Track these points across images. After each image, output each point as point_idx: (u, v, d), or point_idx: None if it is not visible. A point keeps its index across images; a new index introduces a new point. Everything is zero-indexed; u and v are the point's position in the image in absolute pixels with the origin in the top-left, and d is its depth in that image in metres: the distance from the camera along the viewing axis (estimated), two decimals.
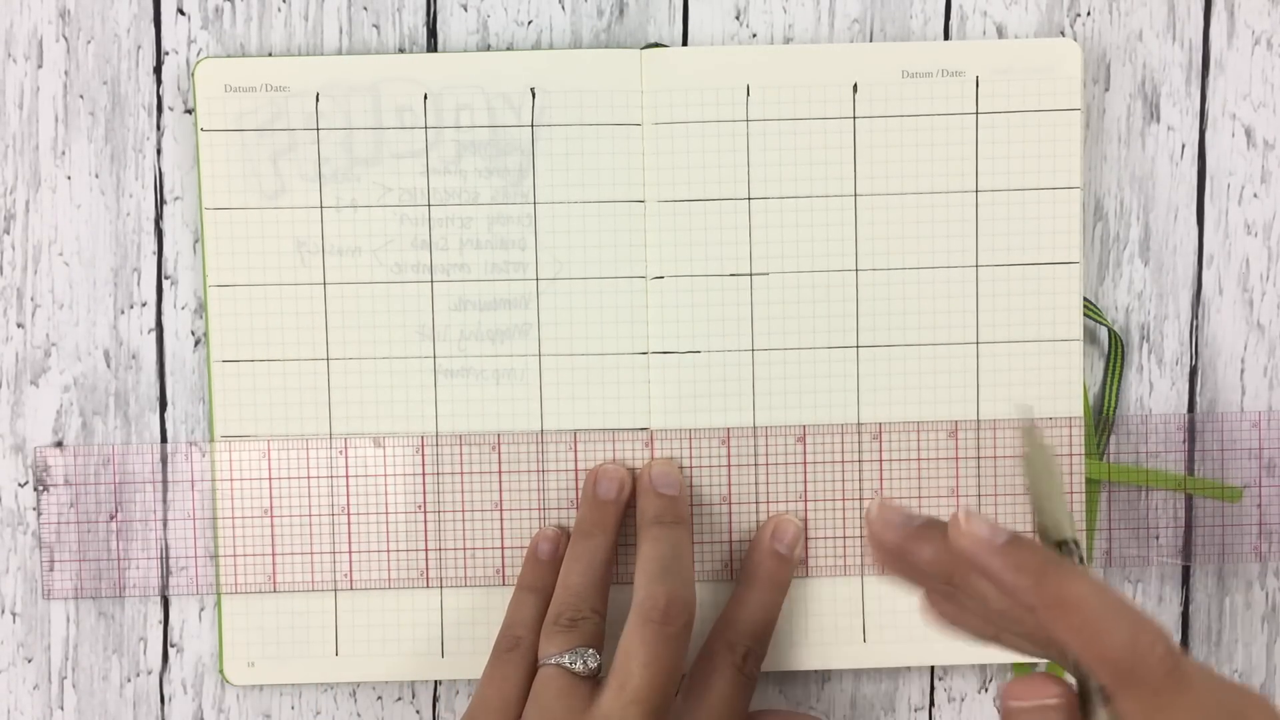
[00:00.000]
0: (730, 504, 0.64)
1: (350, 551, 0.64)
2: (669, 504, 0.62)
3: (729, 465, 0.64)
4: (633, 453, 0.63)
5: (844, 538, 0.64)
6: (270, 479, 0.64)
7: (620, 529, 0.63)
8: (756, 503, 0.64)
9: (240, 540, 0.64)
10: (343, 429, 0.63)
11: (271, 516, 0.64)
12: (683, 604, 0.58)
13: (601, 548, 0.62)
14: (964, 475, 0.64)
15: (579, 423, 0.63)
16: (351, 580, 0.64)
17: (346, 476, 0.64)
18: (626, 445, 0.63)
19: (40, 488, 0.64)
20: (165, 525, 0.64)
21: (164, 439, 0.65)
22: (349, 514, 0.64)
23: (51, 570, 0.64)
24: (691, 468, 0.64)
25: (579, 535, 0.63)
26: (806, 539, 0.64)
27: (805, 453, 0.64)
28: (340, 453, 0.64)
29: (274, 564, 0.64)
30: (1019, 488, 0.64)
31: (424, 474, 0.64)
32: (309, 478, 0.64)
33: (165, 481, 0.64)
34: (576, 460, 0.64)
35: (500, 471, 0.64)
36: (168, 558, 0.64)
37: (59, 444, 0.65)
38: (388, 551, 0.64)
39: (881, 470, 0.64)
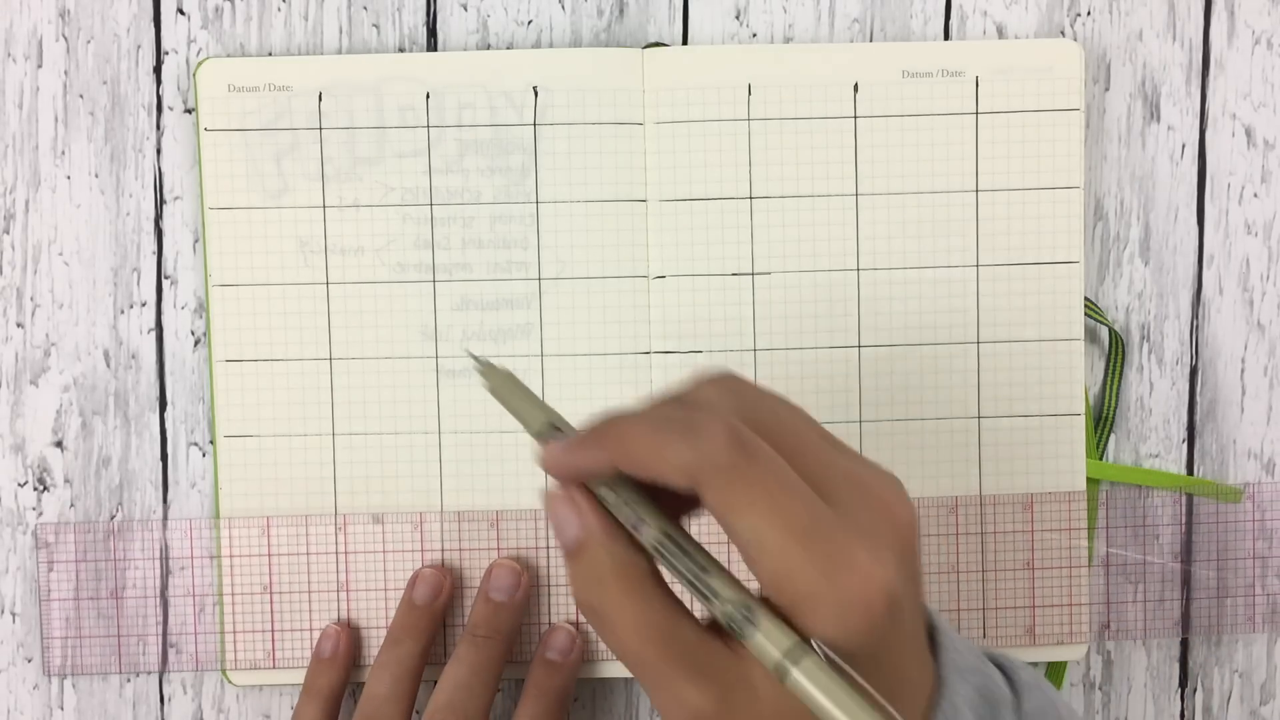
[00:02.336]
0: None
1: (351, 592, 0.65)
2: (492, 613, 0.63)
3: (728, 544, 0.64)
4: None
5: None
6: (270, 554, 0.65)
7: (435, 636, 0.64)
8: None
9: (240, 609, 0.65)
10: (345, 429, 0.64)
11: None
12: None
13: (410, 655, 0.62)
14: (964, 551, 0.65)
15: (581, 424, 0.64)
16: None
17: (347, 553, 0.65)
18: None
19: (43, 562, 0.65)
20: (165, 523, 0.65)
21: (164, 439, 0.65)
22: (348, 590, 0.65)
23: (50, 571, 0.65)
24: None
25: (389, 642, 0.63)
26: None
27: None
28: (341, 529, 0.65)
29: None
30: (1020, 562, 0.65)
31: (423, 550, 0.65)
32: (308, 553, 0.65)
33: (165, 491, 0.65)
34: None
35: (499, 549, 0.65)
36: (168, 558, 0.65)
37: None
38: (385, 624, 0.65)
39: None
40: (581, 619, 0.64)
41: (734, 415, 0.43)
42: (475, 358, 0.49)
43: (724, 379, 0.46)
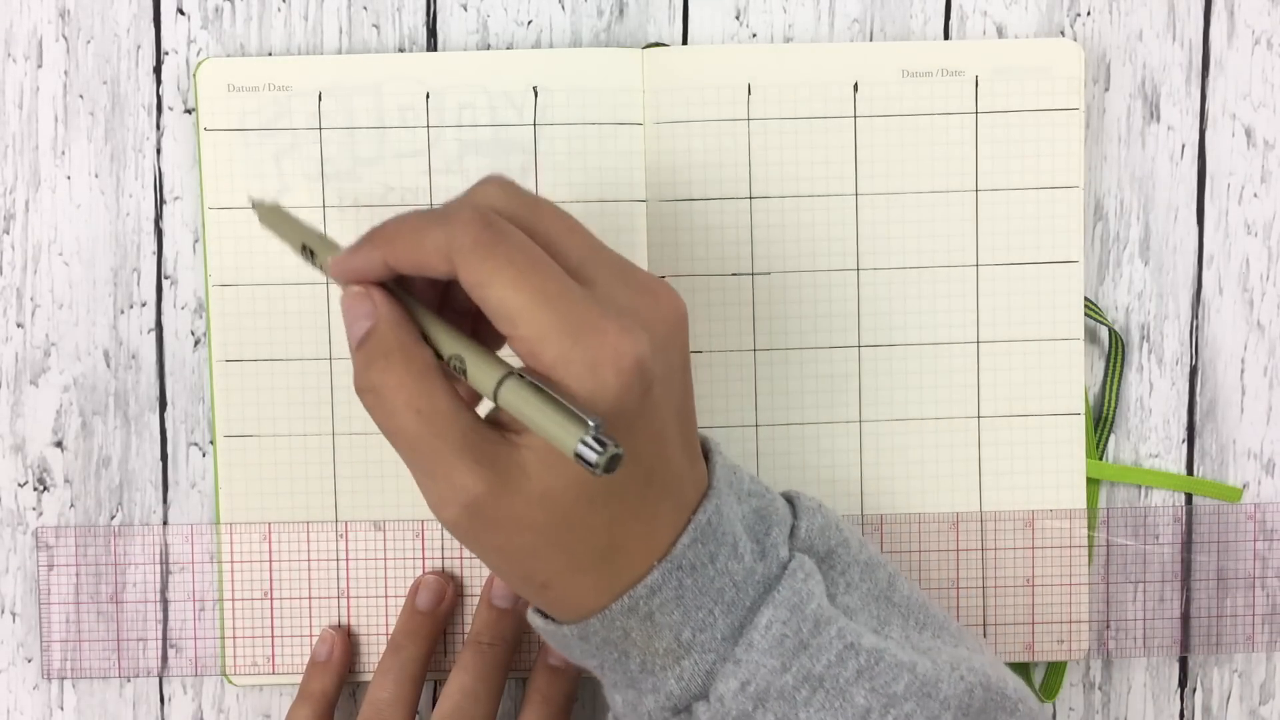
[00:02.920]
0: None
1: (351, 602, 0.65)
2: (495, 619, 0.63)
3: None
4: None
5: None
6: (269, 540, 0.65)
7: (437, 642, 0.64)
8: None
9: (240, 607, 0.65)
10: (345, 429, 0.64)
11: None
12: None
13: (413, 660, 0.63)
14: (964, 567, 0.65)
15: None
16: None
17: (348, 559, 0.65)
18: None
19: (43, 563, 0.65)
20: (165, 527, 0.66)
21: (164, 439, 0.66)
22: (349, 596, 0.66)
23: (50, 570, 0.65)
24: None
25: (391, 648, 0.63)
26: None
27: None
28: (342, 536, 0.65)
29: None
30: (1021, 579, 0.65)
31: (424, 557, 0.65)
32: (309, 561, 0.65)
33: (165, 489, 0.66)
34: None
35: None
36: (168, 559, 0.66)
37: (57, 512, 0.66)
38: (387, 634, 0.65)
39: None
40: None
41: (495, 208, 0.48)
42: (251, 200, 0.53)
43: (497, 180, 0.50)
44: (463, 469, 0.46)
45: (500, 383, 0.45)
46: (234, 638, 0.65)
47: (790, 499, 0.55)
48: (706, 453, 0.52)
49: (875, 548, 0.56)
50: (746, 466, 0.64)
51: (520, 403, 0.45)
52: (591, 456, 0.42)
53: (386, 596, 0.65)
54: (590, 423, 0.43)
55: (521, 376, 0.45)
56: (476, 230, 0.46)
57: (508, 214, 0.48)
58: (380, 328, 0.48)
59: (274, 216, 0.53)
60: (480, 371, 0.46)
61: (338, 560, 0.65)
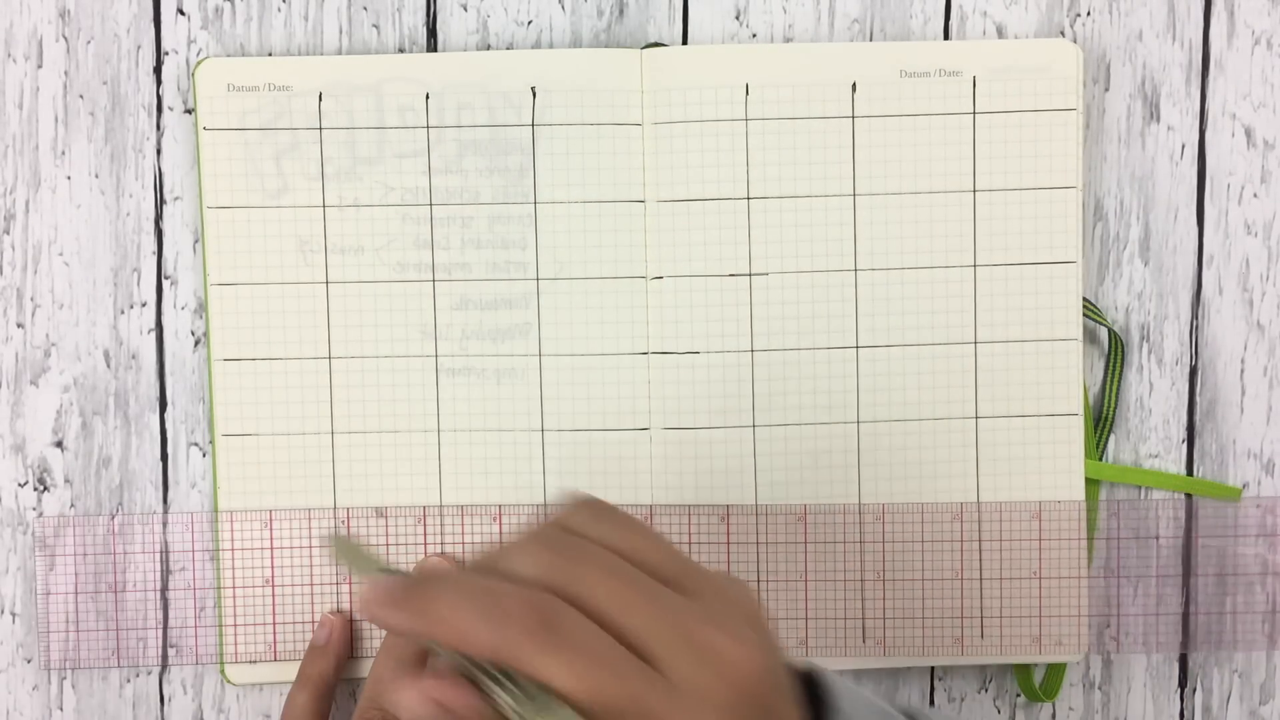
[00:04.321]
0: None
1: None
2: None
3: (727, 543, 0.66)
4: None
5: (844, 619, 0.66)
6: (272, 548, 0.66)
7: None
8: (757, 580, 0.66)
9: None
10: (344, 428, 0.65)
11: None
12: None
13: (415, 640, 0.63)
14: (968, 557, 0.66)
15: (579, 423, 0.65)
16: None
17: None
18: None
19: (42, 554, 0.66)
20: (165, 518, 0.66)
21: (164, 439, 0.66)
22: (350, 582, 0.66)
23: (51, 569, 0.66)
24: (690, 543, 0.65)
25: None
26: (807, 619, 0.65)
27: (806, 532, 0.66)
28: (343, 524, 0.66)
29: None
30: (1025, 570, 0.66)
31: (425, 543, 0.66)
32: (310, 548, 0.66)
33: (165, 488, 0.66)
34: None
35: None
36: (168, 554, 0.66)
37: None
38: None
39: (884, 552, 0.66)
40: None
41: (547, 578, 0.44)
42: (330, 535, 0.48)
43: (547, 534, 0.46)
44: None
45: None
46: (234, 625, 0.66)
47: (914, 717, 0.51)
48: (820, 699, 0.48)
49: None
50: (744, 468, 0.65)
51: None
52: None
53: None
54: None
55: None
56: (531, 624, 0.42)
57: (559, 577, 0.44)
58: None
59: (348, 550, 0.49)
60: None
61: None
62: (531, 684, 0.42)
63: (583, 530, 0.46)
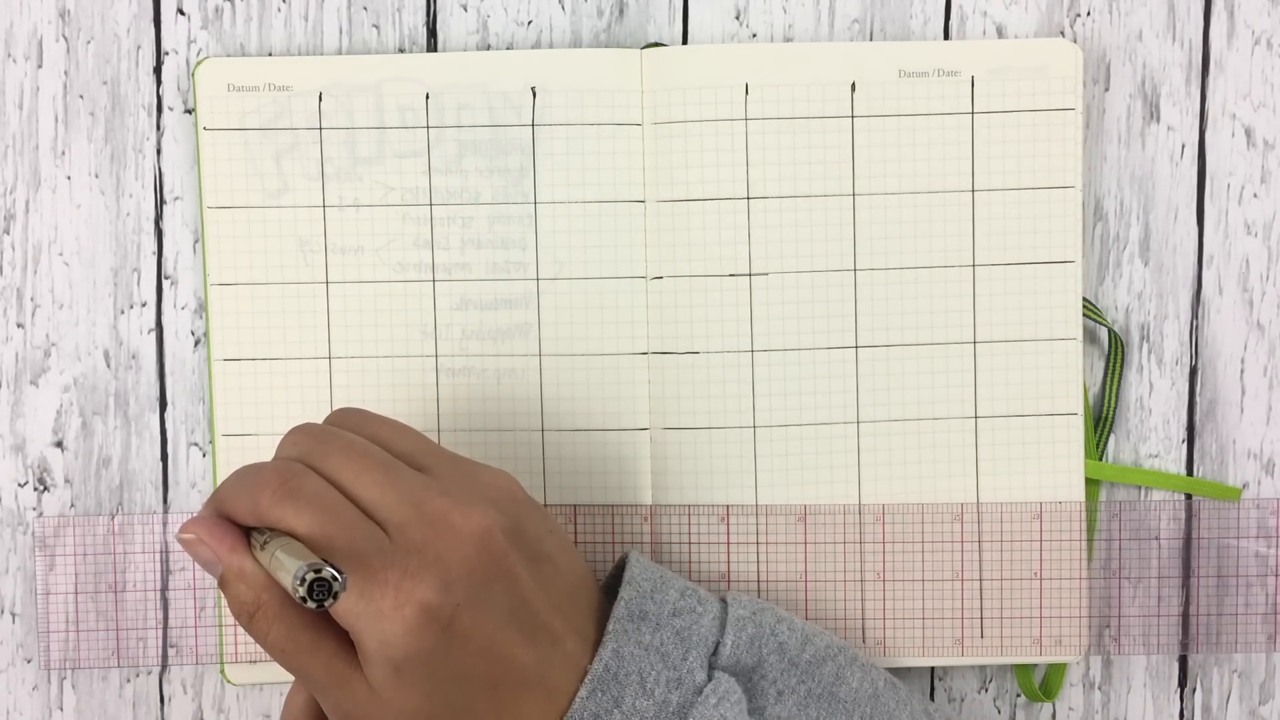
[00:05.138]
0: (729, 581, 0.66)
1: None
2: None
3: (727, 543, 0.66)
4: (632, 525, 0.66)
5: (845, 619, 0.66)
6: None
7: None
8: (757, 581, 0.66)
9: None
10: None
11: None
12: None
13: None
14: (968, 557, 0.66)
15: (579, 423, 0.65)
16: None
17: None
18: (626, 520, 0.66)
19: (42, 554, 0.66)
20: (166, 518, 0.67)
21: (164, 439, 0.67)
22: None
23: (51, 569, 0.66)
24: (690, 544, 0.66)
25: None
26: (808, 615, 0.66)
27: (806, 533, 0.66)
28: None
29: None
30: (1025, 571, 0.66)
31: None
32: None
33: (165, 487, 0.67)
34: (576, 533, 0.66)
35: None
36: (168, 554, 0.67)
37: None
38: None
39: (884, 552, 0.66)
40: None
41: (300, 456, 0.53)
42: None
43: (307, 426, 0.55)
44: (330, 700, 0.52)
45: (270, 553, 0.49)
46: (234, 625, 0.66)
47: (725, 604, 0.57)
48: (619, 577, 0.56)
49: (827, 638, 0.58)
50: (744, 469, 0.65)
51: (274, 565, 0.49)
52: (300, 593, 0.46)
53: None
54: (304, 564, 0.46)
55: (290, 541, 0.49)
56: (274, 485, 0.51)
57: (308, 454, 0.53)
58: (234, 585, 0.51)
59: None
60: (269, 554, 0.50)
61: None
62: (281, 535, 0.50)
63: (341, 424, 0.55)
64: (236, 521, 0.52)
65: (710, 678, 0.54)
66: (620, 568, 0.58)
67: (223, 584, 0.51)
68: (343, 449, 0.53)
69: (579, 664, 0.53)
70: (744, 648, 0.55)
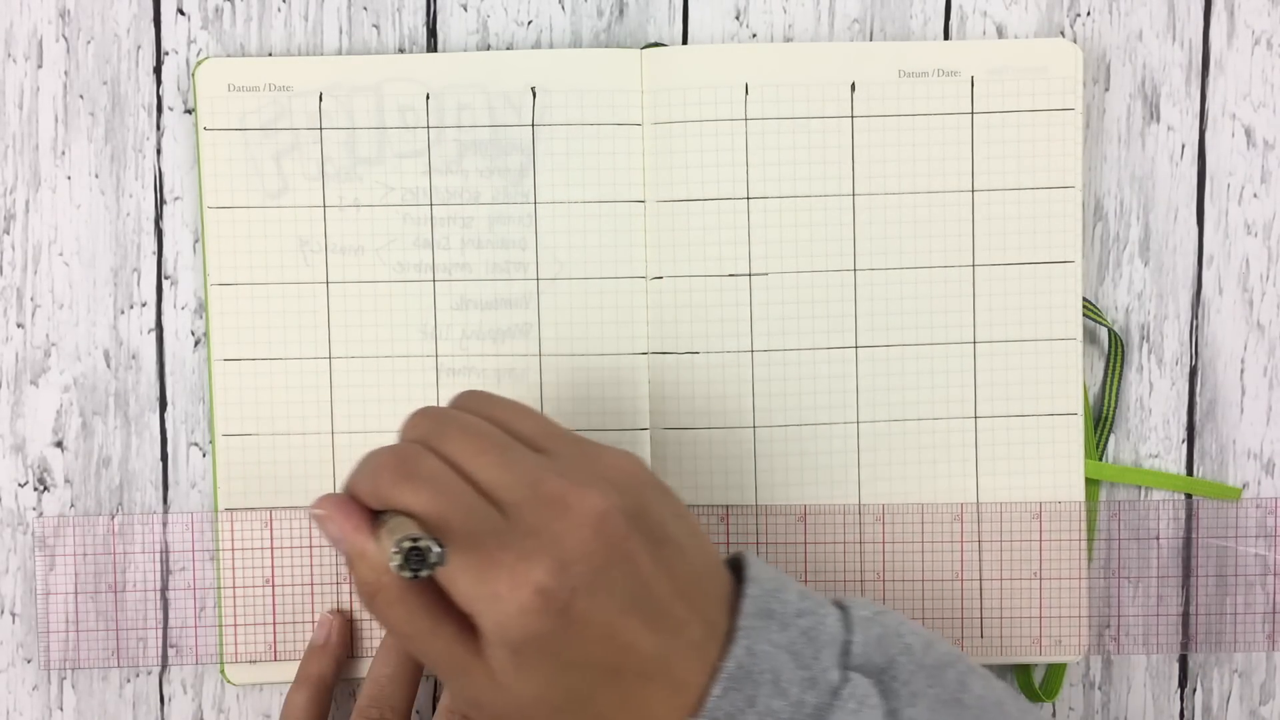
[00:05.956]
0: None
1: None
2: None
3: (727, 543, 0.66)
4: None
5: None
6: (272, 547, 0.66)
7: None
8: None
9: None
10: (344, 428, 0.66)
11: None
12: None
13: None
14: (968, 557, 0.66)
15: (579, 422, 0.66)
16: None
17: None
18: None
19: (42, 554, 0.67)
20: (166, 518, 0.67)
21: (164, 439, 0.67)
22: (350, 583, 0.67)
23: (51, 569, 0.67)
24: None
25: None
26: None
27: (806, 533, 0.66)
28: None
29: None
30: (1025, 571, 0.66)
31: None
32: (310, 548, 0.67)
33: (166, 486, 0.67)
34: None
35: None
36: (168, 554, 0.67)
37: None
38: None
39: (884, 552, 0.66)
40: None
41: (418, 438, 0.53)
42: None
43: (428, 409, 0.55)
44: (452, 684, 0.52)
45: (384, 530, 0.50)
46: (234, 625, 0.66)
47: (844, 608, 0.54)
48: (741, 576, 0.54)
49: (945, 644, 0.56)
50: (744, 469, 0.65)
51: (382, 540, 0.50)
52: (395, 562, 0.47)
53: None
54: (404, 535, 0.47)
55: (404, 519, 0.50)
56: (393, 467, 0.51)
57: (425, 436, 0.53)
58: (357, 564, 0.51)
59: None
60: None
61: None
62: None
63: (463, 406, 0.55)
64: (363, 503, 0.52)
65: (844, 678, 0.51)
66: (733, 566, 0.56)
67: (347, 563, 0.51)
68: (460, 430, 0.52)
69: (706, 655, 0.51)
70: (873, 647, 0.53)
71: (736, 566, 0.55)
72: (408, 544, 0.46)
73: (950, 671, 0.54)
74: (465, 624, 0.50)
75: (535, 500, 0.50)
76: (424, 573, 0.46)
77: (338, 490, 0.53)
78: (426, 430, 0.53)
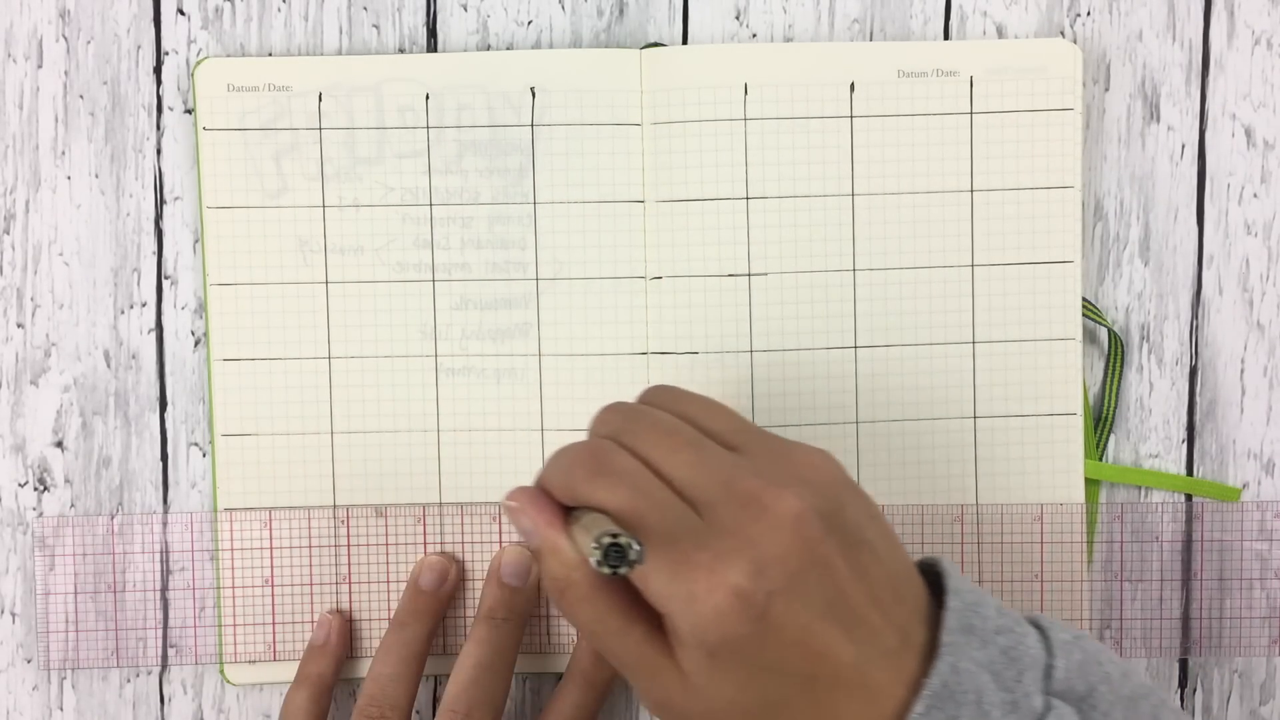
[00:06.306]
0: None
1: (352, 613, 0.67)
2: (508, 596, 0.65)
3: None
4: None
5: None
6: (272, 546, 0.66)
7: (440, 622, 0.66)
8: None
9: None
10: (343, 427, 0.66)
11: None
12: (481, 717, 0.62)
13: (416, 638, 0.65)
14: (968, 558, 0.67)
15: (579, 423, 0.66)
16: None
17: (349, 546, 0.67)
18: None
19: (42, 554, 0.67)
20: (165, 518, 0.67)
21: (164, 439, 0.67)
22: (350, 582, 0.67)
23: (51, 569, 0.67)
24: None
25: (395, 625, 0.65)
26: None
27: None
28: (343, 522, 0.67)
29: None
30: (1026, 572, 0.66)
31: (425, 542, 0.67)
32: (310, 548, 0.67)
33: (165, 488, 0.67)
34: None
35: (501, 542, 0.67)
36: (168, 554, 0.67)
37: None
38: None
39: None
40: None
41: (610, 434, 0.52)
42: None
43: (619, 404, 0.55)
44: (641, 685, 0.51)
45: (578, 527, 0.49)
46: (234, 625, 0.66)
47: (1042, 628, 0.52)
48: (941, 590, 0.52)
49: (1140, 674, 0.53)
50: None
51: (578, 536, 0.49)
52: (595, 557, 0.45)
53: (388, 581, 0.66)
54: (604, 530, 0.46)
55: (599, 516, 0.49)
56: (586, 462, 0.50)
57: (617, 432, 0.52)
58: (547, 558, 0.51)
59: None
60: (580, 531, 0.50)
61: (338, 546, 0.66)
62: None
63: (653, 401, 0.55)
64: (556, 499, 0.51)
65: (1047, 705, 0.49)
66: (923, 571, 0.54)
67: (537, 557, 0.51)
68: (653, 427, 0.52)
69: (904, 667, 0.49)
70: (1075, 673, 0.50)
71: (926, 572, 0.53)
72: (607, 539, 0.45)
73: (1145, 704, 0.52)
74: (656, 624, 0.49)
75: (731, 500, 0.49)
76: (623, 569, 0.45)
77: (529, 484, 0.53)
78: (618, 426, 0.52)
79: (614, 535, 0.45)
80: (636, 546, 0.45)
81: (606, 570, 0.45)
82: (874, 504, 0.52)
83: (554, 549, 0.50)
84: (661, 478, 0.50)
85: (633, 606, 0.50)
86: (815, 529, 0.49)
